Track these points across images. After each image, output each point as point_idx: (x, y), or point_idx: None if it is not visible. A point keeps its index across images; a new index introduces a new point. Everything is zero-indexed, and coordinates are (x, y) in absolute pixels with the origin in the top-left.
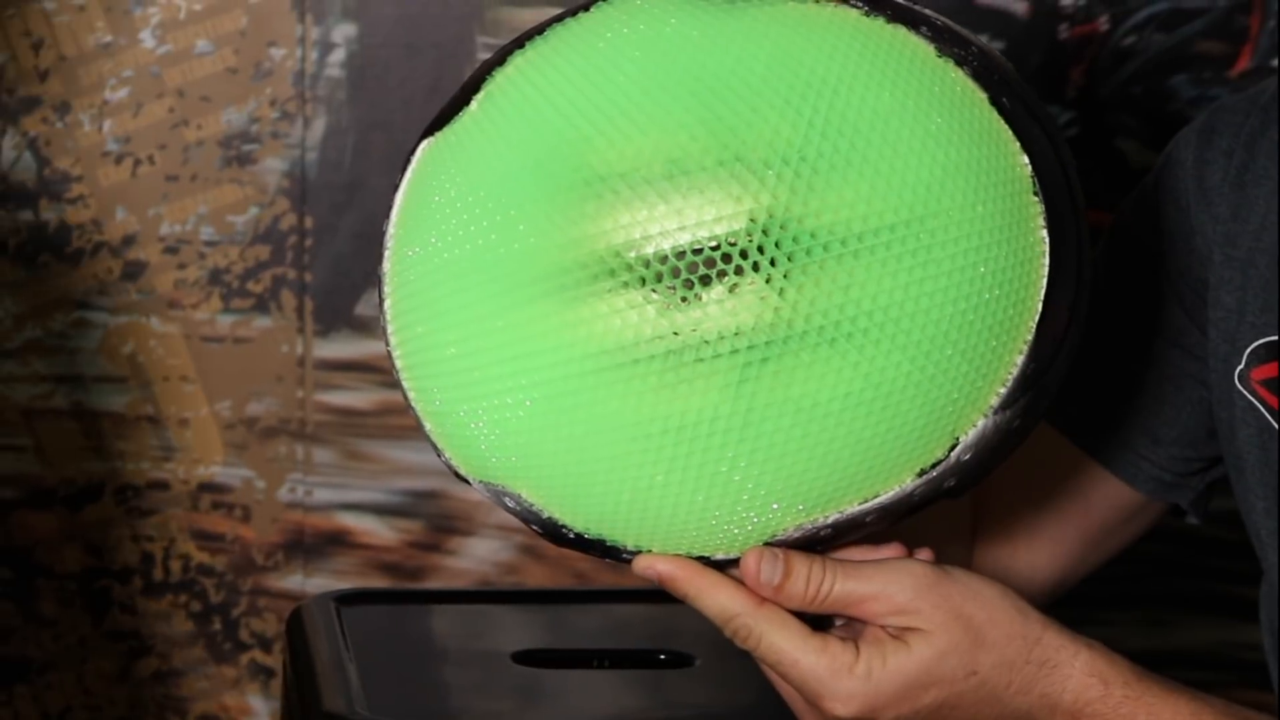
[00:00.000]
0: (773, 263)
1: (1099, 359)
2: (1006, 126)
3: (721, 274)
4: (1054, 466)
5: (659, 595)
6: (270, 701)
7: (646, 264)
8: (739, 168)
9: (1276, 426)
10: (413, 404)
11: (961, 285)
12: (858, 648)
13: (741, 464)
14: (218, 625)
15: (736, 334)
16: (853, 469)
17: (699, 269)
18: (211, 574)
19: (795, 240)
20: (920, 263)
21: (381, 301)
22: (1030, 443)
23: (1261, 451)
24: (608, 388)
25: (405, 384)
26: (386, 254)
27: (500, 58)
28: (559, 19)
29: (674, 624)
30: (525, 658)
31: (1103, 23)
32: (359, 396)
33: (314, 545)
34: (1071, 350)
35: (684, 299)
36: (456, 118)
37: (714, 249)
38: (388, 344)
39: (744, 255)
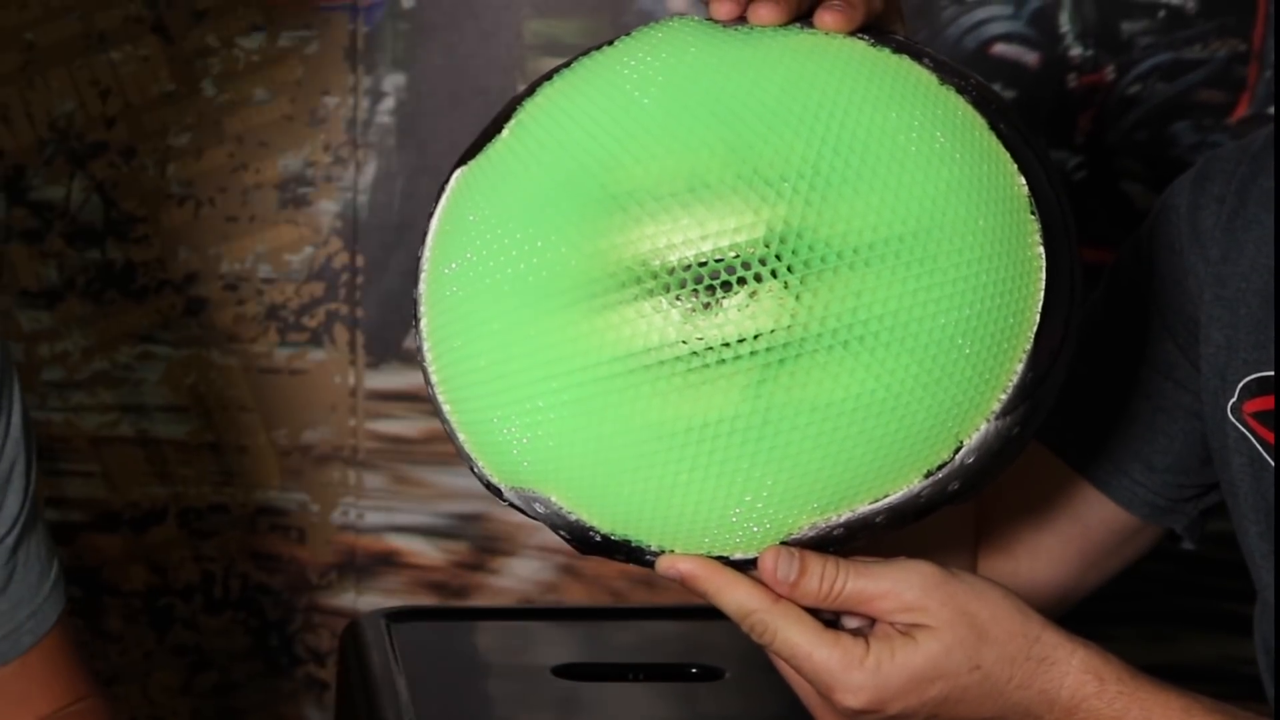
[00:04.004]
0: (789, 270)
1: (1098, 391)
2: (1004, 150)
3: (741, 281)
4: (1054, 490)
5: (690, 612)
6: (324, 713)
7: (670, 272)
8: (757, 182)
9: (1267, 457)
10: (447, 417)
11: (965, 294)
12: (868, 642)
13: (761, 462)
14: (274, 641)
15: (756, 337)
16: (864, 468)
17: (720, 276)
18: (268, 592)
19: (810, 249)
20: (927, 271)
21: (417, 322)
22: (1033, 468)
23: (1254, 480)
24: (634, 390)
25: (440, 398)
26: (422, 276)
27: (530, 90)
28: (585, 52)
29: (704, 639)
30: (564, 671)
31: (1109, 72)
32: (408, 425)
33: (365, 565)
34: (1065, 364)
35: (706, 305)
36: (489, 145)
37: (734, 257)
38: (423, 362)
39: (762, 263)
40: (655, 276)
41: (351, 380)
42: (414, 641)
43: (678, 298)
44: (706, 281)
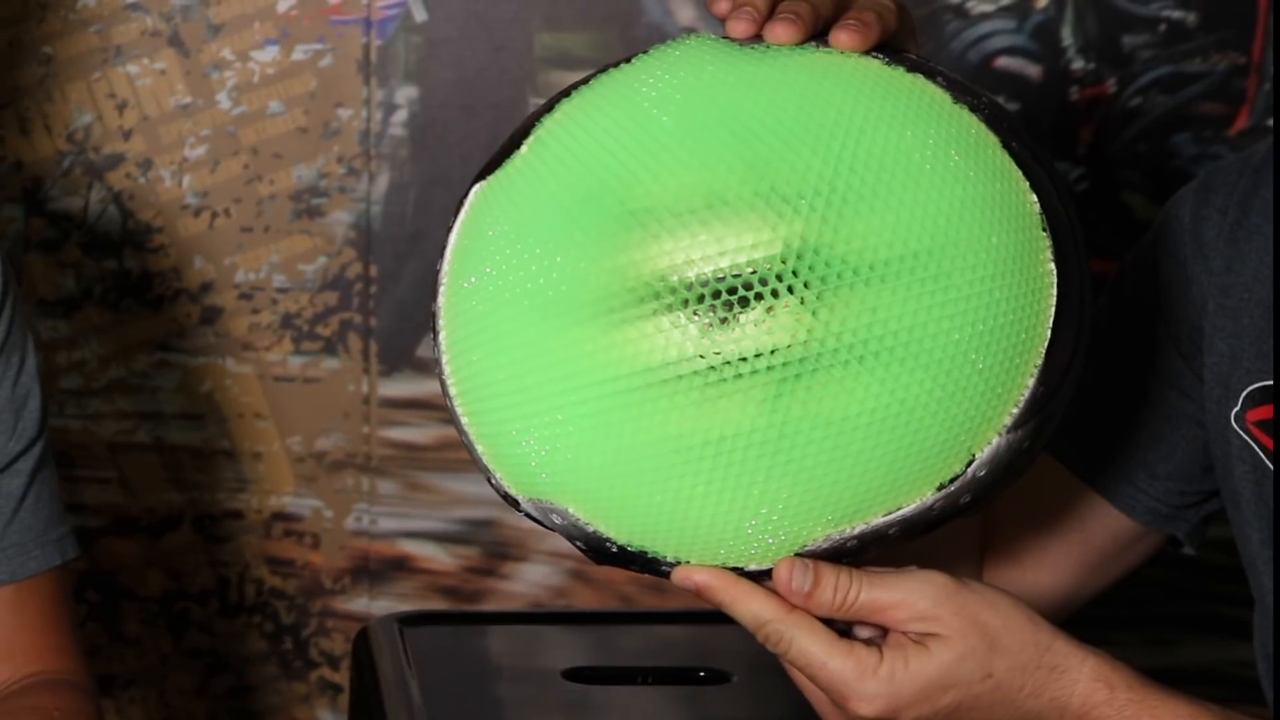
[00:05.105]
0: (806, 286)
1: (1102, 399)
2: (1016, 167)
3: (759, 296)
4: (1059, 497)
5: (699, 616)
6: (338, 716)
7: (689, 287)
8: (774, 199)
9: (1269, 465)
10: (465, 429)
11: (979, 309)
12: (881, 652)
13: (776, 475)
14: (289, 645)
15: (773, 352)
16: (878, 481)
17: (737, 292)
18: (283, 597)
19: (827, 265)
20: (941, 287)
21: (436, 335)
22: (1038, 475)
23: (1256, 487)
24: (652, 403)
25: (459, 410)
26: (441, 290)
27: (548, 106)
28: (603, 69)
29: (712, 643)
30: (574, 675)
31: (1110, 85)
32: (420, 432)
33: (378, 570)
34: (1075, 379)
35: (723, 320)
36: (508, 161)
37: (751, 273)
38: (442, 374)
39: (779, 279)
40: (674, 292)
41: (365, 388)
42: (426, 645)
43: (695, 313)
44: (724, 297)
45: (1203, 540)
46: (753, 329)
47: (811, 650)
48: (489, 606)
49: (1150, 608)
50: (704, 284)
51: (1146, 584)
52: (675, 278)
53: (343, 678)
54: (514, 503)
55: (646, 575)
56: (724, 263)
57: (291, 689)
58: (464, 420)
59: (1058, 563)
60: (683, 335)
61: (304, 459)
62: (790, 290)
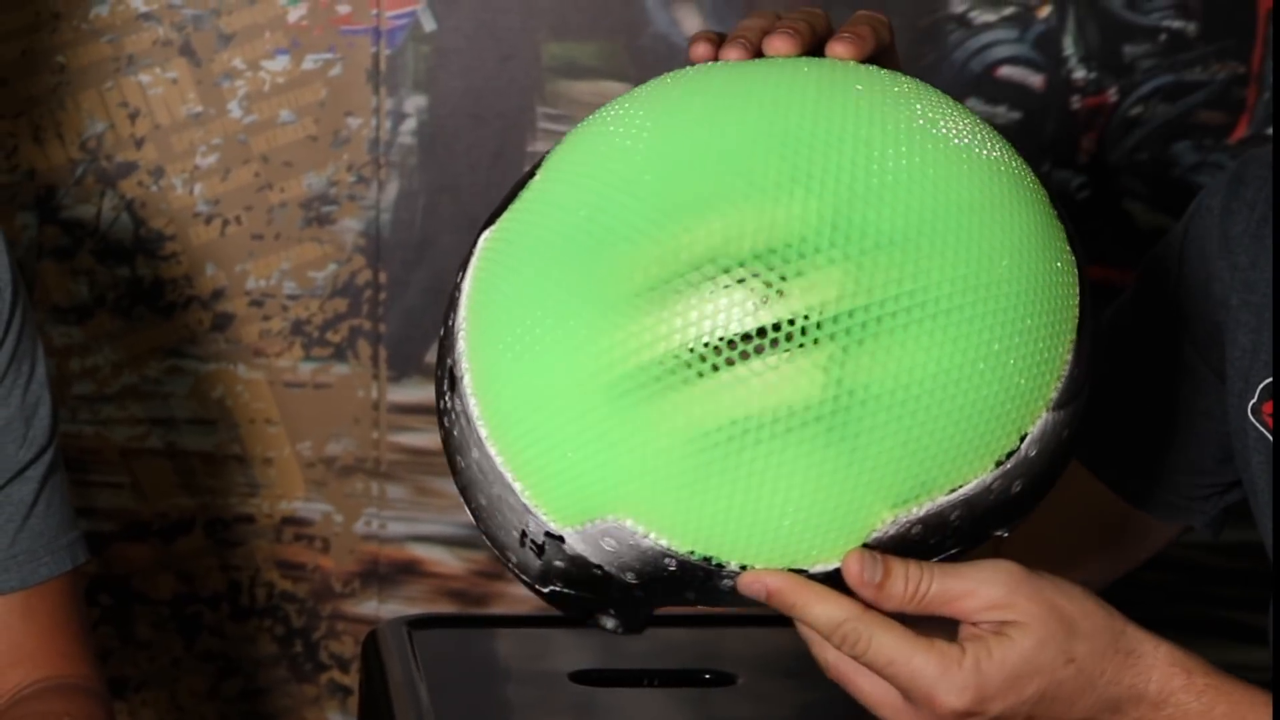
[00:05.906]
0: (860, 250)
1: (1116, 392)
2: (1019, 158)
3: (813, 266)
4: (1075, 491)
5: (705, 619)
6: (348, 718)
7: (742, 264)
8: (815, 169)
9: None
10: (501, 472)
11: (1022, 266)
12: (962, 645)
13: (847, 446)
14: (299, 647)
15: (834, 319)
16: (939, 449)
17: (791, 261)
18: (293, 600)
19: (877, 229)
20: (986, 238)
21: (455, 384)
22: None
23: (1270, 477)
24: (714, 378)
25: (492, 450)
26: (460, 335)
27: (555, 145)
28: (602, 107)
29: (718, 645)
30: (581, 677)
31: (1111, 94)
32: (429, 437)
33: (387, 574)
34: (1098, 369)
35: (780, 293)
36: (523, 190)
37: (802, 241)
38: (471, 420)
39: (832, 245)
40: (727, 271)
41: (374, 394)
42: (435, 648)
43: (751, 288)
44: (779, 269)
45: (1222, 528)
46: (808, 296)
47: (893, 647)
48: (497, 610)
49: (1150, 610)
50: (756, 256)
51: (1146, 587)
52: (727, 251)
53: (352, 680)
54: (558, 540)
55: (700, 607)
56: (775, 233)
57: (302, 691)
58: (499, 460)
59: (1074, 556)
60: (740, 310)
61: (314, 464)
62: (845, 256)
